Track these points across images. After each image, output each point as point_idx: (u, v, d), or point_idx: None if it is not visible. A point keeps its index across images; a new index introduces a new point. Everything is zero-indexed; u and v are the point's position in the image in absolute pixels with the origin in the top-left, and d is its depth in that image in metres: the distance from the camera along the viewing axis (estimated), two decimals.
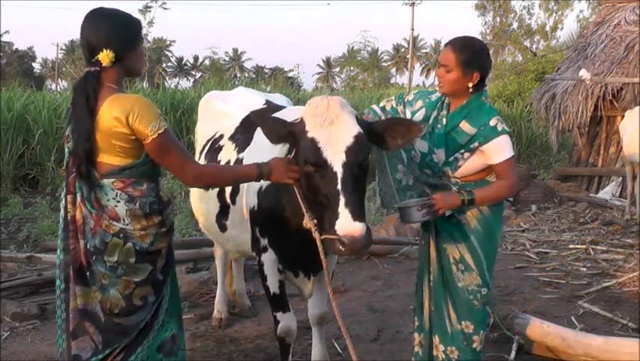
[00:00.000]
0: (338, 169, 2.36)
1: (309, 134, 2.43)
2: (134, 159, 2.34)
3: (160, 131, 2.28)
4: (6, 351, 3.97)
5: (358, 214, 2.32)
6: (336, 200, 2.34)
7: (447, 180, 2.83)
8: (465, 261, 2.84)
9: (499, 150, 2.70)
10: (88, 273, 2.35)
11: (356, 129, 2.44)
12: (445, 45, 2.78)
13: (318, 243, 2.49)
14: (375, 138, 2.58)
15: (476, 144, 2.71)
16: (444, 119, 2.81)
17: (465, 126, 2.74)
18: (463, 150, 2.75)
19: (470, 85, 2.72)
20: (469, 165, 2.77)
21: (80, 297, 2.35)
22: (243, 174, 2.66)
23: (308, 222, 2.53)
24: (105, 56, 2.29)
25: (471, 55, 2.69)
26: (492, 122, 2.69)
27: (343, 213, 2.31)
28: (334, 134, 2.41)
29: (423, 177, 2.92)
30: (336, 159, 2.38)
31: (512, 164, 2.73)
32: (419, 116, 2.90)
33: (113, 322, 2.37)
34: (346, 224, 2.30)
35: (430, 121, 2.85)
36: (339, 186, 2.34)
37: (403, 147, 2.73)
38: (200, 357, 3.91)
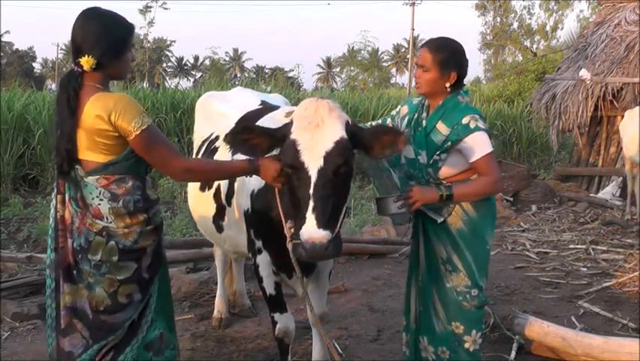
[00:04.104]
0: (313, 174, 2.34)
1: (292, 136, 2.42)
2: (116, 155, 2.35)
3: (143, 127, 2.29)
4: (6, 351, 3.96)
5: (325, 221, 2.29)
6: (306, 204, 2.32)
7: (433, 183, 2.82)
8: (452, 262, 2.83)
9: (474, 147, 2.68)
10: (75, 271, 2.39)
11: (339, 135, 2.40)
12: (422, 46, 2.81)
13: (290, 253, 2.48)
14: (363, 145, 2.53)
15: (449, 143, 2.72)
16: (424, 122, 2.83)
17: (440, 127, 2.75)
18: (439, 152, 2.75)
19: (447, 85, 2.74)
20: (449, 165, 2.77)
21: (68, 295, 2.39)
22: (234, 168, 2.64)
23: (286, 230, 2.52)
24: (86, 62, 2.31)
25: (448, 55, 2.72)
26: (464, 120, 2.69)
27: (309, 218, 2.29)
28: (316, 138, 2.38)
29: (409, 184, 2.91)
30: (313, 163, 2.35)
31: (491, 160, 2.71)
32: (404, 116, 2.95)
33: (99, 319, 2.40)
34: (309, 229, 2.28)
35: (412, 124, 2.88)
36: (310, 191, 2.32)
37: (390, 156, 2.67)
38: (200, 357, 3.91)
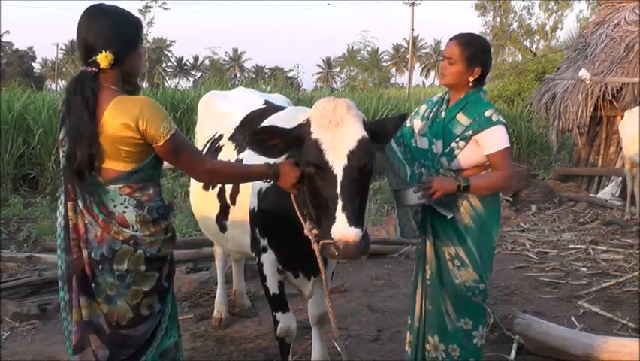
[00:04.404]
0: (338, 172, 2.34)
1: (314, 136, 2.41)
2: (140, 163, 2.26)
3: (172, 132, 2.22)
4: (6, 351, 3.96)
5: (355, 219, 2.30)
6: (334, 204, 2.31)
7: (442, 174, 2.86)
8: (460, 257, 2.86)
9: (494, 139, 2.76)
10: (93, 284, 2.26)
11: (360, 133, 2.41)
12: (451, 39, 2.88)
13: (317, 254, 2.50)
14: (381, 139, 2.60)
15: (470, 132, 2.78)
16: (443, 113, 2.91)
17: (461, 118, 2.82)
18: (458, 139, 2.81)
19: (471, 79, 2.83)
20: (465, 156, 2.81)
21: (84, 308, 2.26)
22: (255, 172, 2.61)
23: (308, 232, 2.53)
24: (104, 58, 2.19)
25: (475, 51, 2.82)
26: (487, 113, 2.78)
27: (339, 217, 2.29)
28: (338, 137, 2.37)
29: (420, 177, 2.94)
30: (337, 162, 2.35)
31: (507, 155, 2.78)
32: (422, 114, 3.03)
33: (119, 334, 2.29)
34: (341, 229, 2.28)
35: (431, 115, 2.96)
36: (338, 190, 2.32)
37: (395, 132, 2.74)
38: (200, 357, 3.91)
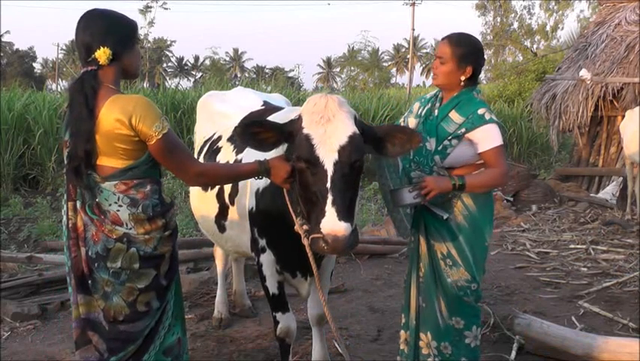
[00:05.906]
0: (329, 167, 2.35)
1: (304, 131, 2.42)
2: (136, 160, 2.29)
3: (164, 132, 2.25)
4: (6, 351, 3.96)
5: (344, 214, 2.31)
6: (324, 198, 2.33)
7: (436, 172, 2.86)
8: (452, 256, 2.87)
9: (487, 137, 2.76)
10: (90, 281, 2.31)
11: (351, 129, 2.42)
12: (443, 39, 2.89)
13: (307, 249, 2.50)
14: (374, 142, 2.57)
15: (463, 130, 2.78)
16: (436, 111, 2.92)
17: (454, 116, 2.83)
18: (450, 137, 2.81)
19: (463, 78, 2.83)
20: (457, 153, 2.81)
21: (82, 306, 2.32)
22: (244, 171, 2.63)
23: (298, 228, 2.53)
24: (102, 54, 2.24)
25: (466, 50, 2.81)
26: (480, 111, 2.78)
27: (329, 211, 2.30)
28: (329, 132, 2.39)
29: (415, 174, 2.95)
30: (328, 157, 2.36)
31: (501, 152, 2.78)
32: (415, 112, 3.05)
33: (117, 329, 2.33)
34: (331, 223, 2.29)
35: (424, 112, 2.97)
36: (328, 185, 2.33)
37: (401, 155, 2.74)
38: (201, 357, 3.91)
